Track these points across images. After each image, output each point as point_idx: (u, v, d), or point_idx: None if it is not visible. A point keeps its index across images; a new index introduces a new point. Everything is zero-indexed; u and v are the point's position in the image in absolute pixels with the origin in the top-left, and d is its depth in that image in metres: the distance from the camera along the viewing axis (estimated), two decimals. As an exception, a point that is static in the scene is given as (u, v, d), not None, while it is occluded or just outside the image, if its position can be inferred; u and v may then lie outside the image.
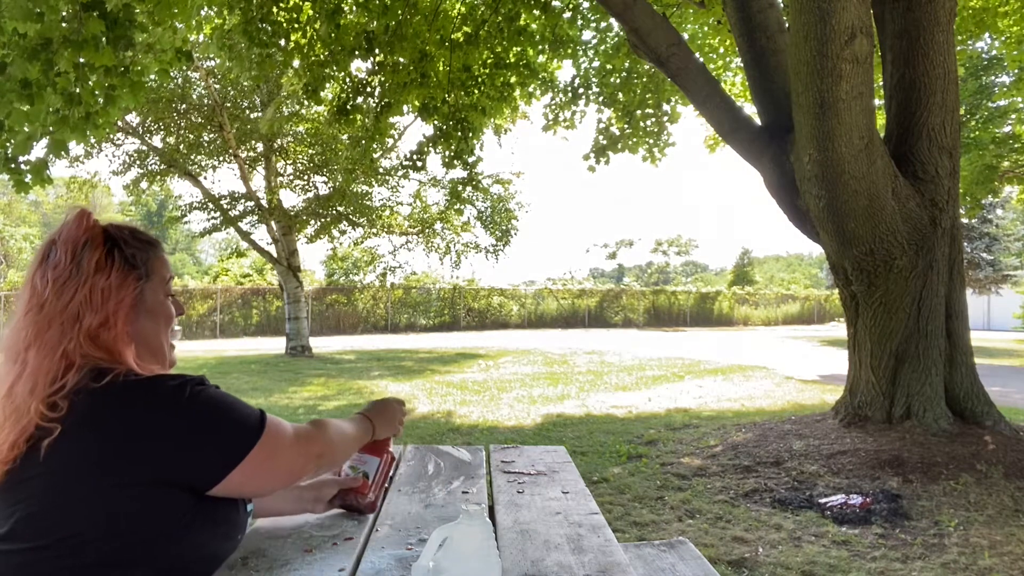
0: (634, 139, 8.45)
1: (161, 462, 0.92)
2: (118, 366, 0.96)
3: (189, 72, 12.27)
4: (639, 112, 8.30)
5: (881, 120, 5.89)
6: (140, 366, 1.00)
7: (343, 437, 1.20)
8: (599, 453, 5.12)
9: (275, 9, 5.93)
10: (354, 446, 1.27)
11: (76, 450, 0.90)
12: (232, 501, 1.05)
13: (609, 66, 8.33)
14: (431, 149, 6.96)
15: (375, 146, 9.76)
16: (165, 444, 0.93)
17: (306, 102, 11.41)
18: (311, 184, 14.43)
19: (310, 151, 14.07)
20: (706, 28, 8.56)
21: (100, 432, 0.91)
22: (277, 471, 1.03)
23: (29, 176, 4.50)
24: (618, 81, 8.30)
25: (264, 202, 13.77)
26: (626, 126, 8.39)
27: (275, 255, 14.07)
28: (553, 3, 6.70)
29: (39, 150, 4.64)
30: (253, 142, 13.70)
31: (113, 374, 0.94)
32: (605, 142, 8.52)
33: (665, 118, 8.38)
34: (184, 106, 12.76)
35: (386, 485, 1.41)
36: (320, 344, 16.76)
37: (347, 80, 6.68)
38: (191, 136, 13.24)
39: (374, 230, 15.29)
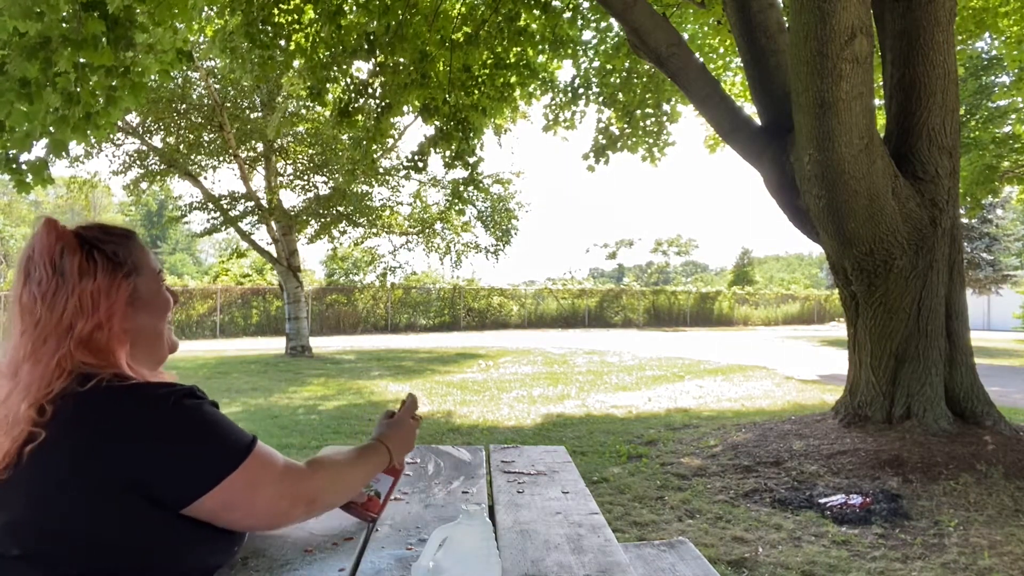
0: (634, 139, 8.45)
1: (132, 467, 0.88)
2: (106, 370, 0.94)
3: (189, 72, 12.28)
4: (639, 112, 8.30)
5: (881, 120, 5.89)
6: (132, 368, 0.98)
7: (345, 479, 1.13)
8: (599, 453, 5.12)
9: (276, 11, 5.94)
10: (361, 483, 1.20)
11: (54, 454, 0.88)
12: None
13: (609, 66, 8.33)
14: (432, 150, 6.96)
15: (375, 147, 9.76)
16: (137, 449, 0.89)
17: (308, 103, 11.43)
18: (311, 184, 14.43)
19: (310, 151, 14.07)
20: (706, 28, 8.56)
21: (76, 435, 0.89)
22: (256, 507, 0.96)
23: (30, 176, 4.50)
24: (618, 81, 8.30)
25: (264, 202, 13.77)
26: (626, 126, 8.39)
27: (275, 255, 14.07)
28: (553, 3, 6.70)
29: (39, 149, 4.64)
30: (253, 142, 13.71)
31: (97, 379, 0.92)
32: (605, 142, 8.52)
33: (665, 118, 8.38)
34: (184, 106, 12.77)
35: (393, 498, 1.40)
36: (320, 344, 16.76)
37: (349, 81, 6.68)
38: (191, 136, 13.24)
39: (374, 230, 15.29)
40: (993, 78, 11.36)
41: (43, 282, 0.96)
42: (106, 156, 13.05)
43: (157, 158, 13.24)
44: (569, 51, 7.78)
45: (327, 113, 11.14)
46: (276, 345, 16.21)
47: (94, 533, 0.88)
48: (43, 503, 0.88)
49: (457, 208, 15.25)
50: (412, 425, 1.32)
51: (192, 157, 13.48)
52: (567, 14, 7.29)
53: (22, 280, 0.98)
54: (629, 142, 8.47)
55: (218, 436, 0.95)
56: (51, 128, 4.12)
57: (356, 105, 6.65)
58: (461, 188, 13.67)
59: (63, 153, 4.31)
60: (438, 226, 15.93)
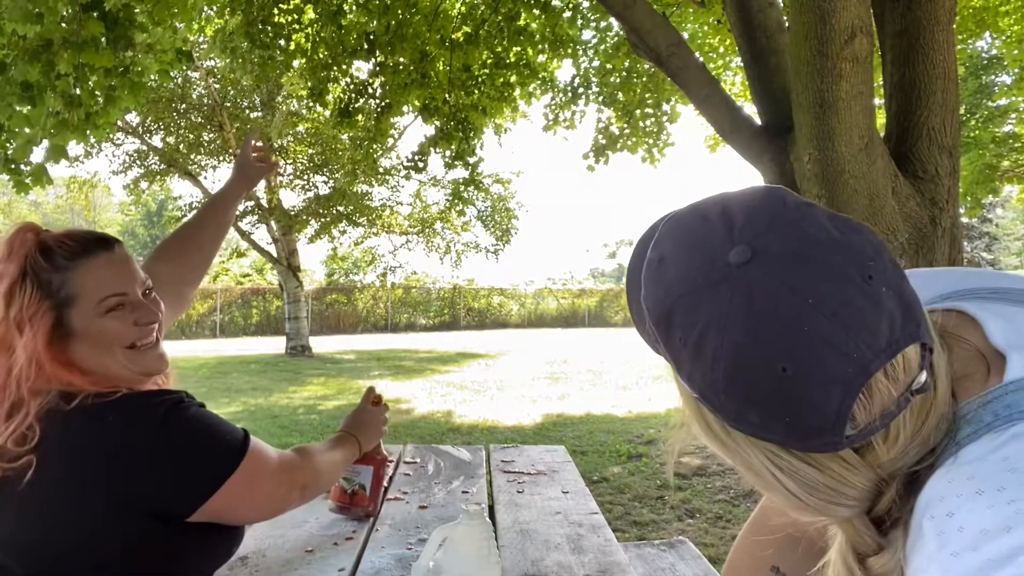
0: (634, 139, 8.46)
1: (134, 484, 0.88)
2: (76, 389, 0.90)
3: (189, 72, 12.29)
4: (639, 112, 8.30)
5: (881, 120, 5.89)
6: (101, 391, 0.93)
7: (329, 466, 1.15)
8: (599, 453, 5.12)
9: (276, 11, 5.94)
10: (341, 470, 1.23)
11: (52, 476, 0.86)
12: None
13: (609, 66, 8.33)
14: (432, 150, 6.96)
15: (376, 146, 9.78)
16: (137, 465, 0.88)
17: (308, 103, 11.43)
18: (311, 184, 14.45)
19: (310, 151, 14.08)
20: (706, 28, 8.56)
21: (75, 457, 0.87)
22: (258, 500, 0.98)
23: (29, 177, 4.50)
24: (618, 81, 8.30)
25: (264, 202, 13.78)
26: (626, 126, 8.39)
27: (275, 255, 14.07)
28: (553, 3, 6.70)
29: (39, 153, 4.65)
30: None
31: (81, 396, 0.89)
32: (605, 142, 8.52)
33: (665, 118, 8.38)
34: (184, 106, 12.77)
35: (385, 486, 1.40)
36: (320, 344, 16.75)
37: (349, 82, 6.69)
38: (191, 136, 13.25)
39: (374, 230, 15.30)
40: (993, 78, 11.36)
41: None
42: (106, 156, 13.07)
43: (157, 158, 13.25)
44: (569, 51, 7.77)
45: (327, 113, 11.15)
46: (276, 345, 16.21)
47: (98, 550, 0.87)
48: (44, 524, 0.86)
49: (457, 208, 15.27)
50: (374, 411, 1.33)
51: (192, 157, 13.49)
52: (567, 14, 7.29)
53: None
54: (629, 142, 8.47)
55: (214, 440, 0.94)
56: (51, 131, 4.11)
57: (356, 105, 6.65)
58: (461, 188, 13.71)
59: (62, 158, 4.31)
60: (438, 226, 15.94)
